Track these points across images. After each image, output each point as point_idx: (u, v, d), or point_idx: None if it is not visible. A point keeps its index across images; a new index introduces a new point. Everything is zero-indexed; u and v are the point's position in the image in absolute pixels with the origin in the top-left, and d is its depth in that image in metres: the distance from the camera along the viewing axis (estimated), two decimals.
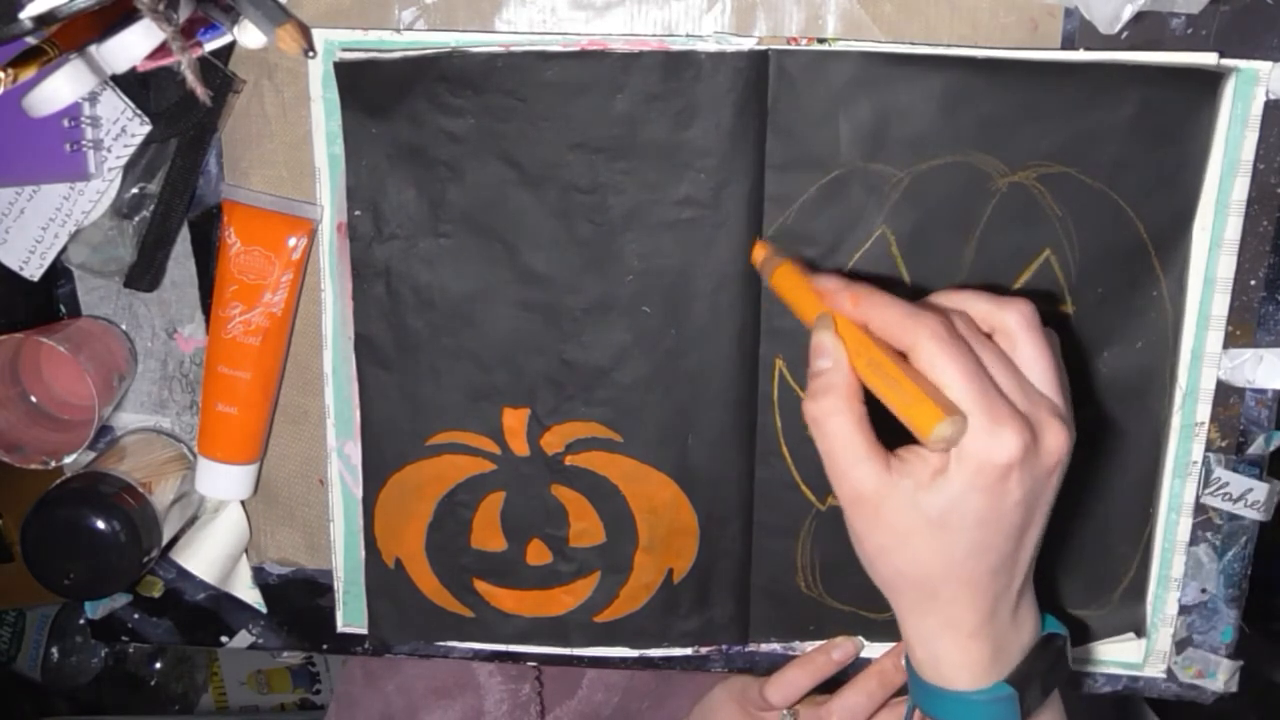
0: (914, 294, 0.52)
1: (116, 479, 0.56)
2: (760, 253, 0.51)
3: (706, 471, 0.56)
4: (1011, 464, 0.39)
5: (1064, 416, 0.41)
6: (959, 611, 0.43)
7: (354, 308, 0.55)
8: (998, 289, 0.46)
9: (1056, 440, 0.41)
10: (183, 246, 0.57)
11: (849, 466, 0.41)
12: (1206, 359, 0.55)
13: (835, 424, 0.42)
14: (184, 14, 0.47)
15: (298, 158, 0.55)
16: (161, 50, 0.50)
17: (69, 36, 0.46)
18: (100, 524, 0.54)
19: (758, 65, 0.50)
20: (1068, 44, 0.51)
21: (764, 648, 0.61)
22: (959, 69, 0.49)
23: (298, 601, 0.63)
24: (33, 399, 0.59)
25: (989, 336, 0.43)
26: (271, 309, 0.55)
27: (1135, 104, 0.50)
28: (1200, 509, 0.58)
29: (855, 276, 0.46)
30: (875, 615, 0.58)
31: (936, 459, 0.40)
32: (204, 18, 0.51)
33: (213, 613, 0.64)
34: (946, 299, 0.44)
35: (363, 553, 0.59)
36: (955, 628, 0.43)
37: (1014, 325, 0.42)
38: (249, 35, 0.51)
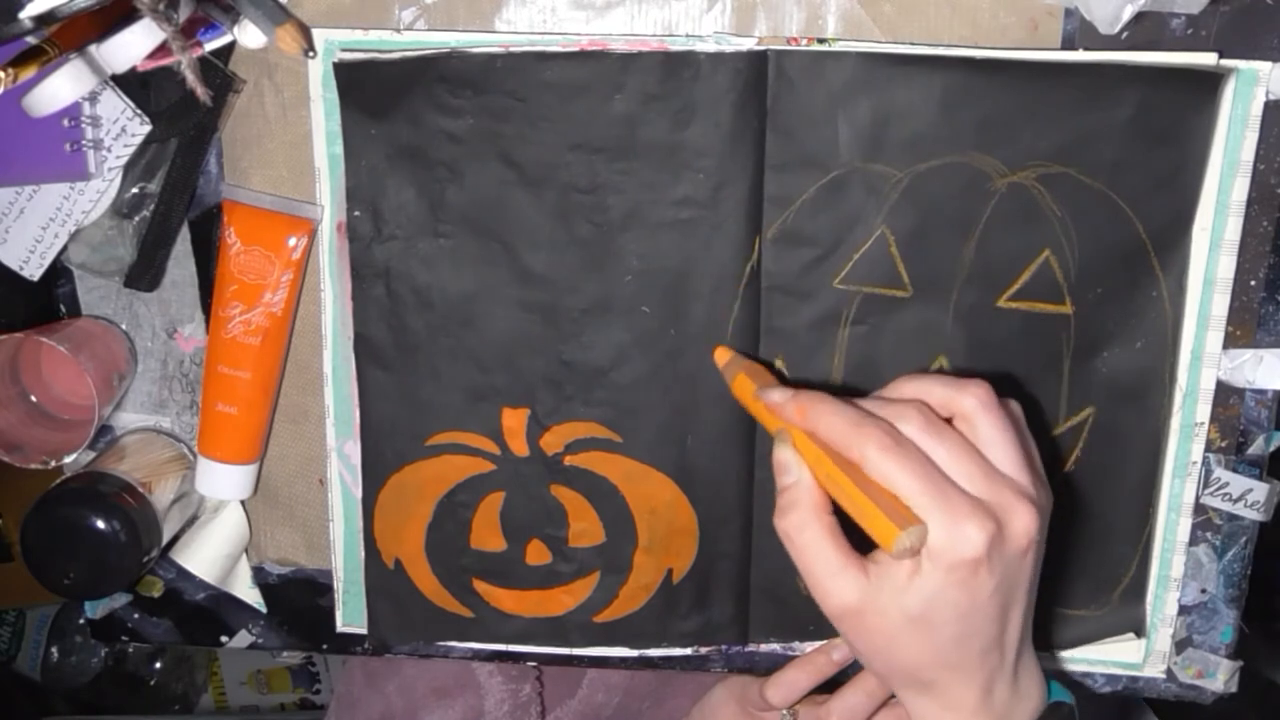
0: (914, 296, 0.52)
1: (116, 479, 0.56)
2: (722, 357, 0.53)
3: (706, 472, 0.56)
4: (979, 558, 0.40)
5: (1030, 495, 0.42)
6: (956, 694, 0.43)
7: (354, 308, 0.55)
8: (960, 372, 0.46)
9: (1023, 522, 0.41)
10: (183, 246, 0.57)
11: (828, 581, 0.42)
12: (1206, 359, 0.55)
13: (806, 539, 0.43)
14: (184, 14, 0.47)
15: (298, 158, 0.55)
16: (161, 50, 0.50)
17: (69, 36, 0.46)
18: (100, 524, 0.54)
19: (757, 65, 0.50)
20: (1068, 44, 0.51)
21: (764, 648, 0.61)
22: (959, 69, 0.49)
23: (298, 601, 0.63)
24: (33, 399, 0.59)
25: (949, 421, 0.44)
26: (271, 309, 0.55)
27: (1135, 104, 0.50)
28: (1200, 509, 0.58)
29: (805, 385, 0.45)
30: None
31: (910, 561, 0.41)
32: (204, 18, 0.51)
33: (213, 613, 0.64)
34: (904, 388, 0.45)
35: (362, 553, 0.59)
36: (956, 708, 0.44)
37: (970, 409, 0.43)
38: (249, 35, 0.51)
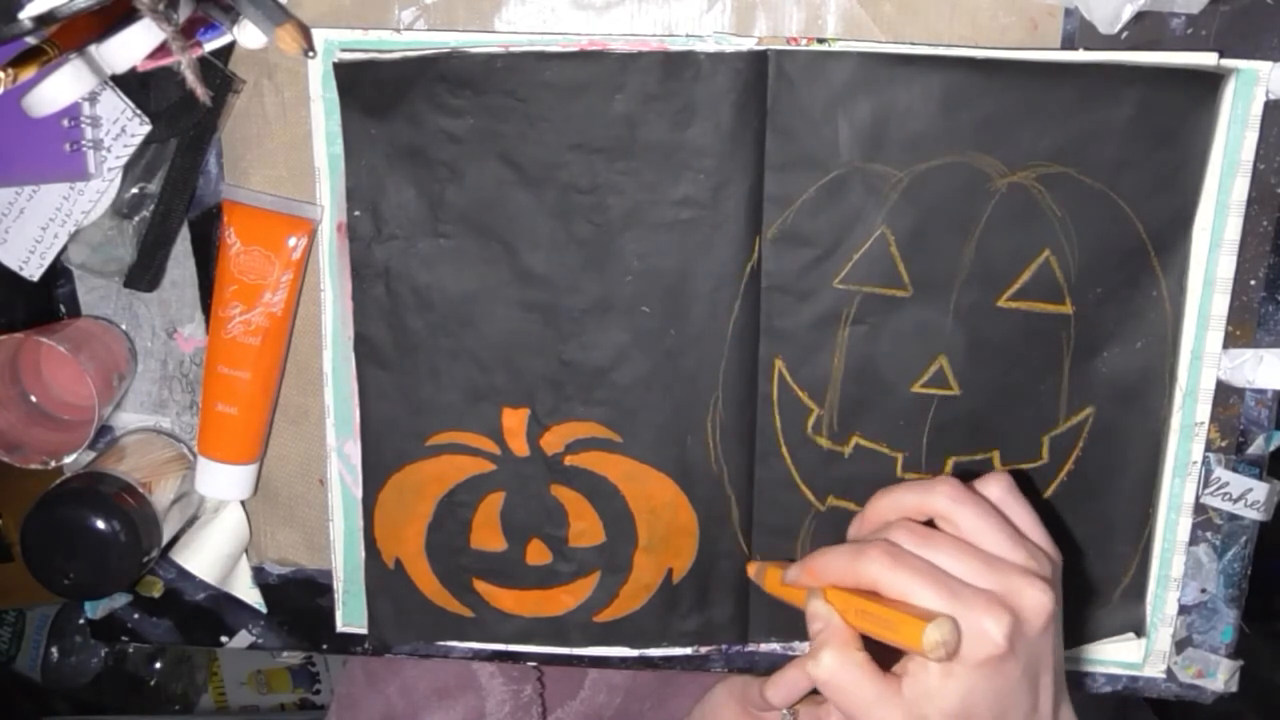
0: (914, 296, 0.52)
1: (116, 479, 0.56)
2: (750, 568, 0.57)
3: (706, 471, 0.56)
4: (1003, 652, 0.41)
5: (1034, 570, 0.43)
6: None
7: (354, 308, 0.55)
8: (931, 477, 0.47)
9: (1035, 600, 0.42)
10: (183, 246, 0.57)
11: (871, 712, 0.43)
12: (1206, 359, 0.55)
13: (842, 676, 0.43)
14: (184, 14, 0.47)
15: (298, 158, 0.55)
16: (161, 50, 0.50)
17: (69, 36, 0.46)
18: (100, 524, 0.54)
19: (757, 65, 0.50)
20: (1068, 44, 0.51)
21: (764, 648, 0.61)
22: (959, 69, 0.49)
23: (298, 601, 0.63)
24: (33, 399, 0.59)
25: (932, 524, 0.45)
26: (271, 309, 0.55)
27: (1135, 104, 0.50)
28: (1200, 509, 0.58)
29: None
30: None
31: (939, 665, 0.42)
32: (204, 18, 0.51)
33: (213, 613, 0.64)
34: (879, 504, 0.47)
35: (363, 553, 0.59)
36: None
37: (944, 508, 0.45)
38: (249, 35, 0.51)
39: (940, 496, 0.45)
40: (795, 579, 0.48)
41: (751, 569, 0.57)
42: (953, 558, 0.43)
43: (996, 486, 0.46)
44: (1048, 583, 0.43)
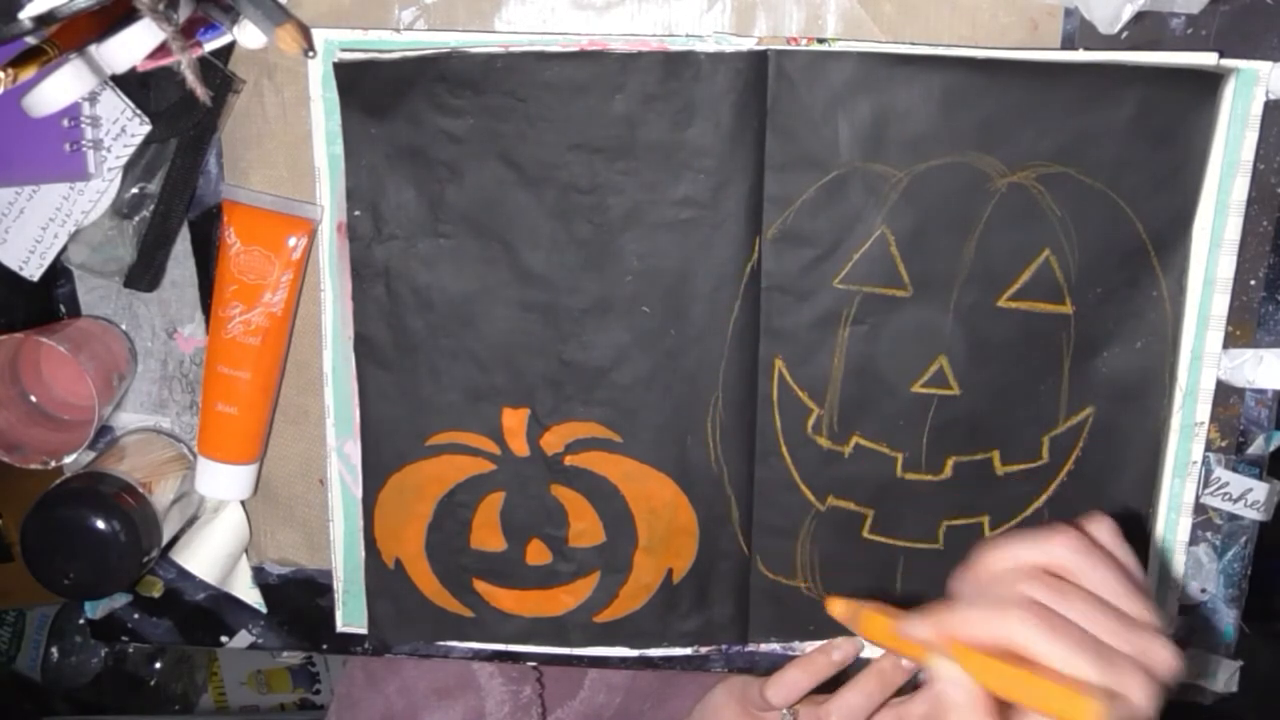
0: (914, 296, 0.52)
1: (116, 479, 0.56)
2: (836, 608, 0.49)
3: (706, 471, 0.56)
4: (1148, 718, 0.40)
5: (1160, 627, 0.42)
6: None
7: (354, 308, 0.55)
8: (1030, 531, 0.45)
9: (1165, 661, 0.41)
10: (183, 246, 0.57)
11: None
12: (1206, 359, 0.55)
13: None
14: (184, 14, 0.47)
15: (298, 158, 0.55)
16: (161, 50, 0.50)
17: (69, 36, 0.46)
18: (100, 524, 0.54)
19: (757, 65, 0.50)
20: (1068, 44, 0.51)
21: (764, 648, 0.61)
22: (959, 69, 0.49)
23: (298, 601, 0.63)
24: (33, 399, 0.59)
25: (1056, 576, 0.42)
26: (271, 309, 0.55)
27: (1135, 104, 0.50)
28: (1200, 509, 0.58)
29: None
30: None
31: None
32: (204, 18, 0.51)
33: (213, 613, 0.64)
34: (994, 561, 0.44)
35: (363, 553, 0.59)
36: None
37: (1070, 562, 0.42)
38: (249, 35, 0.51)
39: (1063, 549, 0.42)
40: (924, 637, 0.43)
41: (838, 609, 0.49)
42: (1089, 618, 0.41)
43: (1105, 532, 0.44)
44: (1169, 639, 0.41)
